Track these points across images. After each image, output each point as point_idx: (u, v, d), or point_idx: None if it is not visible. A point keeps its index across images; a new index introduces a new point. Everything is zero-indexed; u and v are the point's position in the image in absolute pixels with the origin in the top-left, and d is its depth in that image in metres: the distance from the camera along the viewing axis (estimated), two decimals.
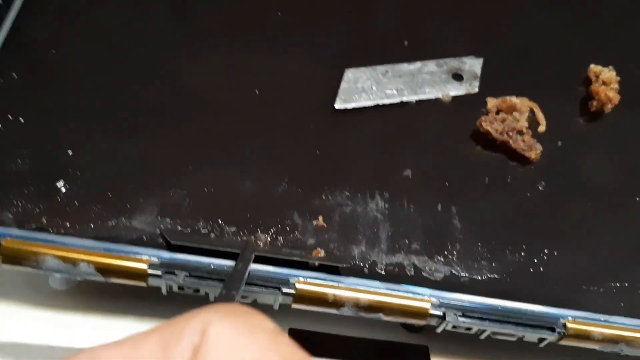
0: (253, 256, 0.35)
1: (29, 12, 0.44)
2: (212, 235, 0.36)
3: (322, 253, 0.36)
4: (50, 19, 0.44)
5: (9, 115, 0.39)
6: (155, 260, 0.34)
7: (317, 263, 0.36)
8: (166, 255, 0.35)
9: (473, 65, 0.47)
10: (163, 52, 0.44)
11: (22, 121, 0.39)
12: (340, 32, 0.48)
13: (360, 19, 0.49)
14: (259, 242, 0.36)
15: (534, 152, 0.42)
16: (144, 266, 0.34)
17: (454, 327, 0.36)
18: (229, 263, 0.35)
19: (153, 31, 0.45)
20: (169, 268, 0.34)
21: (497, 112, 0.44)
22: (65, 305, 0.38)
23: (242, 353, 0.14)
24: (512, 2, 0.52)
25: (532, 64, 0.48)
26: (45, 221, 0.35)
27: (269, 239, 0.37)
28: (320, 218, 0.38)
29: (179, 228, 0.36)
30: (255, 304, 0.36)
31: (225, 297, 0.32)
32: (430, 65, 0.46)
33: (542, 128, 0.44)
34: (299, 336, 0.38)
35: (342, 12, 0.49)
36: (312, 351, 0.38)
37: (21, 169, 0.37)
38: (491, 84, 0.46)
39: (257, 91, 0.43)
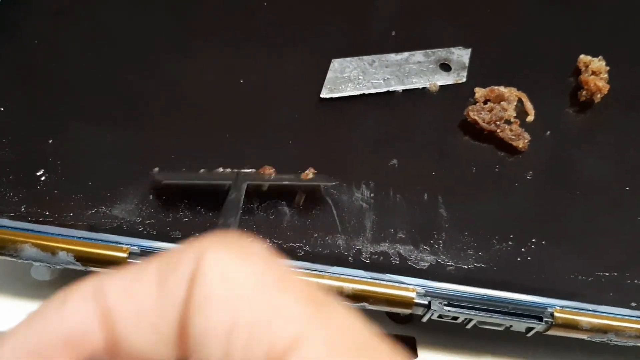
0: (245, 185, 0.35)
1: (9, 4, 0.44)
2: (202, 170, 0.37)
3: (311, 174, 0.37)
4: (32, 7, 0.44)
5: None
6: (135, 249, 0.34)
7: (308, 184, 0.36)
8: (146, 243, 0.34)
9: (461, 55, 0.46)
10: (144, 41, 0.44)
11: (2, 109, 0.38)
12: (328, 24, 0.47)
13: (348, 10, 0.48)
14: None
15: (522, 141, 0.42)
16: (124, 255, 0.34)
17: (440, 316, 0.35)
18: None
19: (140, 23, 0.45)
20: (148, 256, 0.34)
21: (485, 102, 0.43)
22: (49, 295, 0.37)
23: (237, 278, 0.14)
24: None
25: (521, 54, 0.48)
26: (24, 210, 0.35)
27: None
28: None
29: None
30: None
31: (223, 226, 0.32)
32: (418, 56, 0.46)
33: (530, 118, 0.44)
34: None
35: (329, 3, 0.49)
36: None
37: (0, 157, 0.36)
38: (479, 74, 0.46)
39: (242, 81, 0.43)
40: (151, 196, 0.36)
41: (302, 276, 0.15)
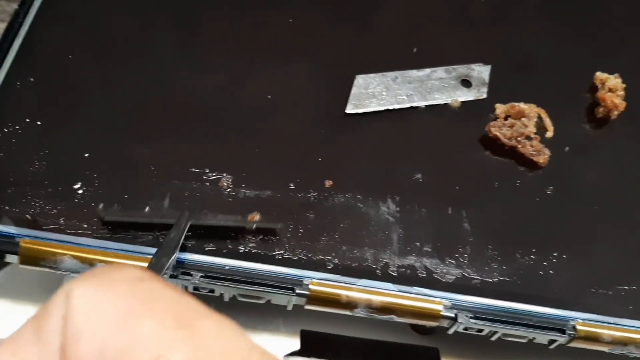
0: (188, 224, 0.35)
1: (45, 19, 0.45)
2: (147, 209, 0.37)
3: (257, 216, 0.37)
4: (65, 27, 0.45)
5: (27, 118, 0.39)
6: (171, 261, 0.35)
7: (254, 226, 0.37)
8: (182, 256, 0.35)
9: (481, 72, 0.47)
10: (175, 59, 0.45)
11: (40, 124, 0.39)
12: (349, 40, 0.48)
13: (368, 27, 0.50)
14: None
15: (542, 157, 0.43)
16: None
17: (466, 328, 0.36)
18: (244, 264, 0.36)
19: (162, 41, 0.46)
20: (184, 269, 0.35)
21: (506, 118, 0.45)
22: None
23: (102, 309, 0.15)
24: (518, 9, 0.53)
25: (538, 71, 0.49)
26: (62, 222, 0.36)
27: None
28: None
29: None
30: (268, 305, 0.36)
31: (155, 266, 0.32)
32: (439, 72, 0.47)
33: (549, 134, 0.45)
34: (310, 338, 0.39)
35: (350, 19, 0.50)
36: (323, 352, 0.39)
37: (39, 170, 0.37)
38: (499, 90, 0.47)
39: (269, 96, 0.44)
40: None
41: (178, 292, 0.16)
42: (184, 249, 0.35)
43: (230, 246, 0.36)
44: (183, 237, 0.34)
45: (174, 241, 0.34)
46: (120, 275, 0.16)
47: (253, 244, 0.37)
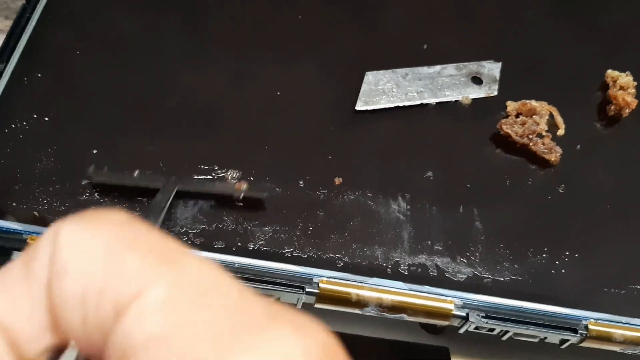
0: (175, 189, 0.35)
1: (52, 15, 0.44)
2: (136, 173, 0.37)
3: (244, 185, 0.37)
4: (72, 24, 0.45)
5: (35, 115, 0.39)
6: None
7: (241, 195, 0.36)
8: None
9: (492, 69, 0.47)
10: (183, 56, 0.45)
11: (47, 120, 0.39)
12: (359, 36, 0.48)
13: (379, 23, 0.49)
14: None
15: (554, 155, 0.43)
16: None
17: (477, 328, 0.36)
18: (254, 262, 0.35)
19: (171, 38, 0.45)
20: None
21: (517, 116, 0.44)
22: None
23: (88, 246, 0.15)
24: (529, 7, 0.52)
25: (549, 68, 0.49)
26: None
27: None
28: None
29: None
30: (278, 303, 0.36)
31: None
32: (450, 69, 0.46)
33: (561, 132, 0.44)
34: None
35: (360, 16, 0.50)
36: None
37: (46, 167, 0.37)
38: (509, 88, 0.46)
39: (278, 93, 0.43)
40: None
41: (165, 235, 0.16)
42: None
43: (239, 244, 0.36)
44: (169, 202, 0.34)
45: (159, 205, 0.34)
46: (107, 217, 0.16)
47: (262, 242, 0.36)
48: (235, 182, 0.37)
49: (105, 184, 0.36)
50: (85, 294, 0.15)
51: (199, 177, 0.37)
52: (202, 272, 0.15)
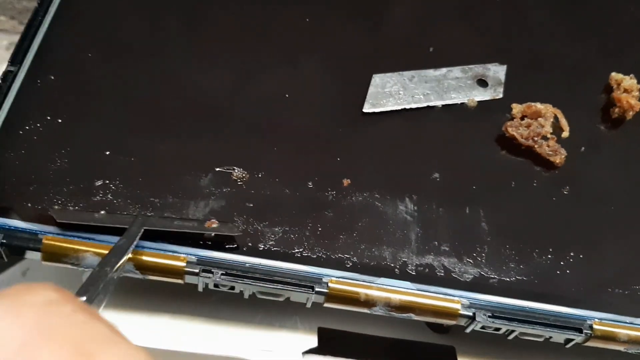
0: (142, 230, 0.34)
1: (65, 17, 0.45)
2: (103, 212, 0.36)
3: (215, 223, 0.36)
4: (84, 26, 0.45)
5: (48, 116, 0.40)
6: (192, 258, 0.35)
7: (212, 234, 0.36)
8: (203, 253, 0.35)
9: (497, 71, 0.48)
10: (193, 57, 0.45)
11: (61, 121, 0.40)
12: (365, 39, 0.49)
13: (385, 26, 0.50)
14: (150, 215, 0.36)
15: (559, 157, 0.43)
16: (182, 264, 0.35)
17: (483, 327, 0.37)
18: (264, 262, 0.36)
19: (181, 40, 0.46)
20: (205, 266, 0.35)
21: (522, 118, 0.45)
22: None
23: (5, 338, 0.15)
24: (533, 10, 0.53)
25: (554, 71, 0.49)
26: None
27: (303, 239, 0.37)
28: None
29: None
30: (286, 302, 0.37)
31: (98, 274, 0.30)
32: (456, 71, 0.47)
33: (565, 134, 0.45)
34: (327, 335, 0.39)
35: (367, 18, 0.50)
36: (340, 350, 0.39)
37: (60, 168, 0.38)
38: (515, 90, 0.47)
39: (287, 95, 0.44)
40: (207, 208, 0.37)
41: (92, 317, 0.15)
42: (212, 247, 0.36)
43: (250, 244, 0.37)
44: (135, 243, 0.34)
45: (122, 248, 0.33)
46: (30, 299, 0.16)
47: (273, 242, 0.37)
48: (205, 221, 0.36)
49: (71, 223, 0.35)
50: None
51: (166, 215, 0.37)
52: None
